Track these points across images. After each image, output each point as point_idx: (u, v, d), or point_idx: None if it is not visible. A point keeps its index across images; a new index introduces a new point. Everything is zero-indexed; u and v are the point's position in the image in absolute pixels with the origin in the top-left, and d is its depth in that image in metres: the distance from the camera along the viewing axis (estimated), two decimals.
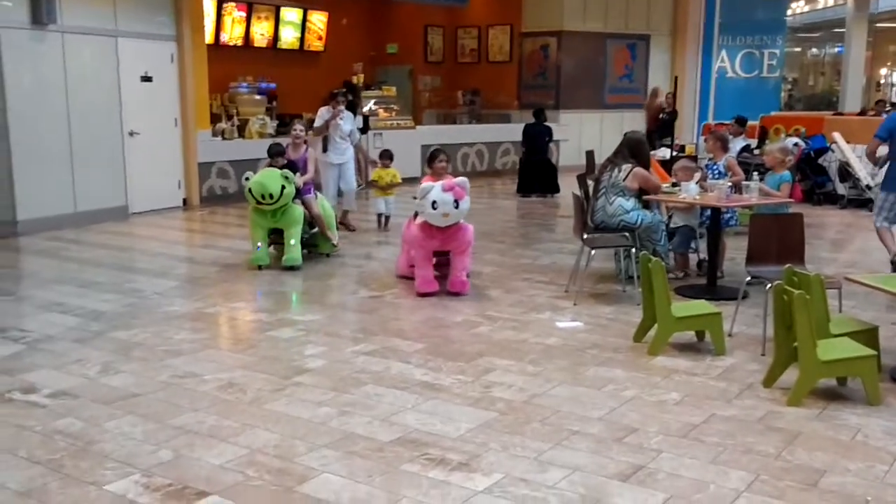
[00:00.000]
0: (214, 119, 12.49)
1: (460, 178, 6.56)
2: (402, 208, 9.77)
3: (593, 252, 7.01)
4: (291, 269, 7.56)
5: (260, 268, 7.59)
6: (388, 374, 4.88)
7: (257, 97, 13.93)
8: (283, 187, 7.37)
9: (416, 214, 6.93)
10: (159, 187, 11.24)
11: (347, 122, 9.90)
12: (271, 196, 7.34)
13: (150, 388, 4.63)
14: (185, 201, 11.64)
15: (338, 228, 8.75)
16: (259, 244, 7.65)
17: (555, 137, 14.24)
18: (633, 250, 6.75)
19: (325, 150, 9.76)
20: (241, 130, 12.57)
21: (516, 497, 3.40)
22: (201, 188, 11.76)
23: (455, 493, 3.43)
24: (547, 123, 13.58)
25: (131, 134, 10.70)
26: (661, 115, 14.33)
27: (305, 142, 8.55)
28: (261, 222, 7.61)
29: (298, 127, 8.58)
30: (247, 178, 7.55)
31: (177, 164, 11.53)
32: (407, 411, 4.31)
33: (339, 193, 10.06)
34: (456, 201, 6.40)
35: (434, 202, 6.37)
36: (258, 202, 7.40)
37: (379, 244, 9.27)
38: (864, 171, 11.22)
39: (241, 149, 12.02)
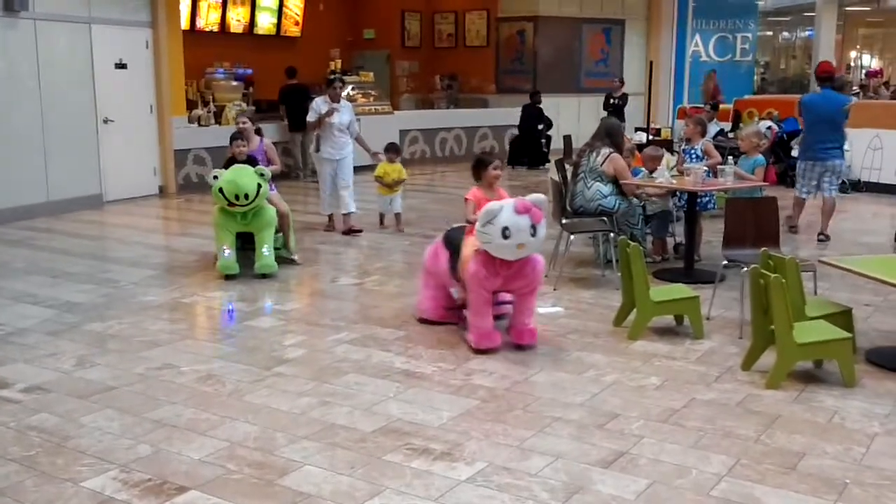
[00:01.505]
0: (190, 105, 12.35)
1: (535, 196, 4.92)
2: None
3: (572, 237, 7.02)
4: (265, 276, 6.80)
5: (228, 278, 6.76)
6: (369, 363, 4.86)
7: (234, 83, 13.79)
8: (259, 186, 6.60)
9: (448, 240, 5.45)
10: (134, 175, 11.10)
11: (346, 113, 8.71)
12: (246, 196, 6.54)
13: (127, 380, 4.57)
14: (161, 189, 11.51)
15: (328, 229, 8.55)
16: (226, 250, 6.75)
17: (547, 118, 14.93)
18: (612, 235, 6.75)
19: (317, 148, 8.72)
20: (218, 117, 12.43)
21: (500, 486, 3.40)
22: (177, 175, 11.63)
23: (438, 482, 3.42)
24: (540, 105, 14.67)
25: (105, 121, 10.54)
26: (611, 101, 14.28)
27: (258, 131, 7.81)
28: (228, 225, 6.74)
29: (241, 120, 7.76)
30: (215, 177, 6.63)
31: (152, 151, 11.39)
32: (389, 400, 4.29)
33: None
34: (533, 226, 4.78)
35: (505, 229, 4.72)
36: (230, 203, 6.57)
37: (402, 239, 8.61)
38: None
39: (218, 135, 11.83)
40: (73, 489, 3.35)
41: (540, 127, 14.63)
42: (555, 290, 6.50)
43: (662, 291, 5.56)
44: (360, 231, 8.74)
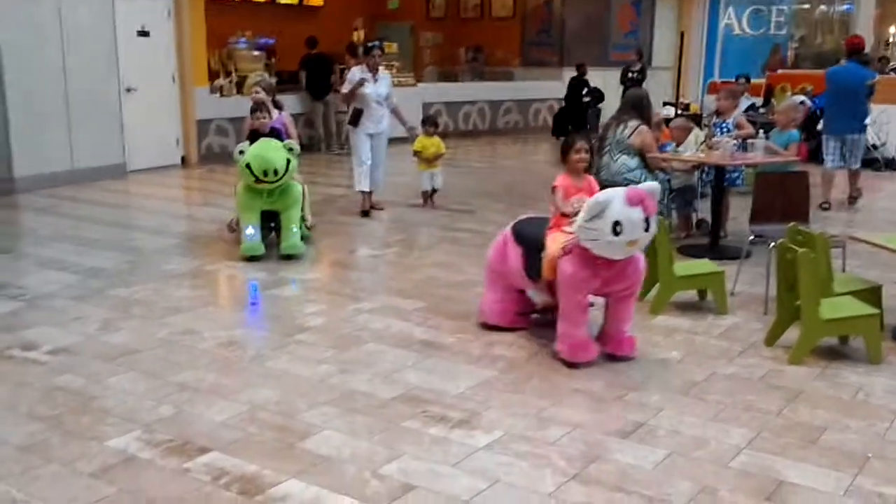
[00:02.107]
0: (212, 75, 12.35)
1: (648, 184, 4.40)
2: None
3: None
4: (291, 258, 6.42)
5: (252, 259, 6.35)
6: (389, 333, 4.87)
7: (256, 53, 13.73)
8: (288, 161, 6.23)
9: (520, 235, 4.75)
10: (157, 145, 11.15)
11: (383, 84, 8.13)
12: (276, 172, 6.15)
13: (150, 344, 4.62)
14: (183, 159, 11.56)
15: (366, 215, 8.19)
16: (250, 229, 6.36)
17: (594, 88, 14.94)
18: None
19: (355, 123, 8.07)
20: (240, 87, 12.42)
21: (517, 454, 3.40)
22: (200, 146, 11.67)
23: (456, 449, 3.43)
24: (586, 77, 14.81)
25: (128, 90, 10.58)
26: (629, 74, 13.94)
27: (277, 104, 7.33)
28: (253, 203, 6.37)
29: (254, 90, 7.26)
30: (241, 152, 6.21)
31: (175, 121, 11.41)
32: (407, 369, 4.30)
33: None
34: (647, 220, 4.10)
35: (616, 224, 4.03)
36: (258, 179, 6.19)
37: (424, 213, 8.45)
38: (869, 129, 11.12)
39: (240, 106, 11.81)
40: (98, 447, 3.40)
41: (586, 99, 14.48)
42: None
43: (687, 266, 5.52)
44: (382, 208, 8.45)
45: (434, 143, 8.69)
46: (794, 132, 7.33)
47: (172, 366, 4.31)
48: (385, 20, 17.70)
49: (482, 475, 3.22)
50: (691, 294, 5.51)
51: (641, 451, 3.44)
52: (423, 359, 4.46)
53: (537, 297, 4.77)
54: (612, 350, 4.46)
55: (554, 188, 4.61)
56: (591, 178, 4.75)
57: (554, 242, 4.42)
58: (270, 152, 6.18)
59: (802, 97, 12.08)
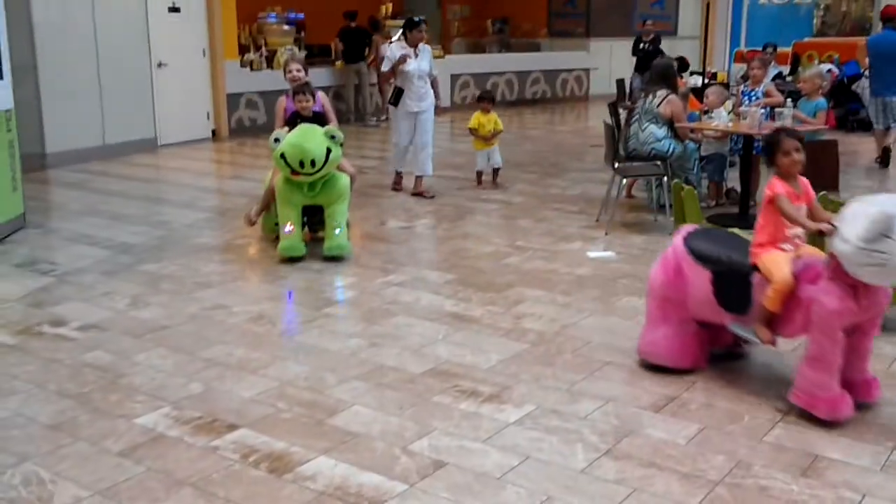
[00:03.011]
0: (242, 50, 12.36)
1: None
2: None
3: (625, 180, 6.87)
4: (335, 259, 5.69)
5: (292, 260, 5.68)
6: (419, 306, 4.84)
7: (286, 27, 13.73)
8: (329, 150, 5.46)
9: (704, 255, 3.81)
10: (188, 119, 11.18)
11: (424, 58, 7.67)
12: (313, 164, 5.39)
13: (180, 320, 4.63)
14: (213, 133, 11.59)
15: (395, 188, 7.92)
16: (289, 227, 5.62)
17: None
18: (665, 179, 6.59)
19: (396, 102, 7.69)
20: (270, 61, 12.42)
21: (548, 428, 3.37)
22: (230, 120, 11.69)
23: (486, 424, 3.40)
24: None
25: (159, 65, 10.59)
26: (640, 45, 13.29)
27: (307, 84, 6.13)
28: (293, 198, 5.61)
29: (294, 67, 6.34)
30: (276, 140, 5.47)
31: (205, 95, 11.43)
32: (437, 343, 4.28)
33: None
34: None
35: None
36: (294, 171, 5.45)
37: (481, 199, 7.66)
38: None
39: (270, 80, 11.86)
40: (126, 425, 3.41)
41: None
42: (606, 234, 6.39)
43: None
44: (432, 197, 7.74)
45: (491, 120, 8.22)
46: (822, 100, 7.19)
47: (201, 341, 4.32)
48: None
49: (513, 451, 3.19)
50: None
51: (675, 425, 3.39)
52: (452, 332, 4.43)
53: (744, 331, 3.78)
54: (862, 398, 3.55)
55: (775, 196, 3.67)
56: (806, 182, 3.85)
57: (775, 265, 3.57)
58: (308, 141, 5.41)
59: (829, 65, 11.83)
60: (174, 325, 4.55)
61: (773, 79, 10.85)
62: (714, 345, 4.04)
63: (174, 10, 10.77)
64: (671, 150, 6.75)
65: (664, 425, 3.39)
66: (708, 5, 13.59)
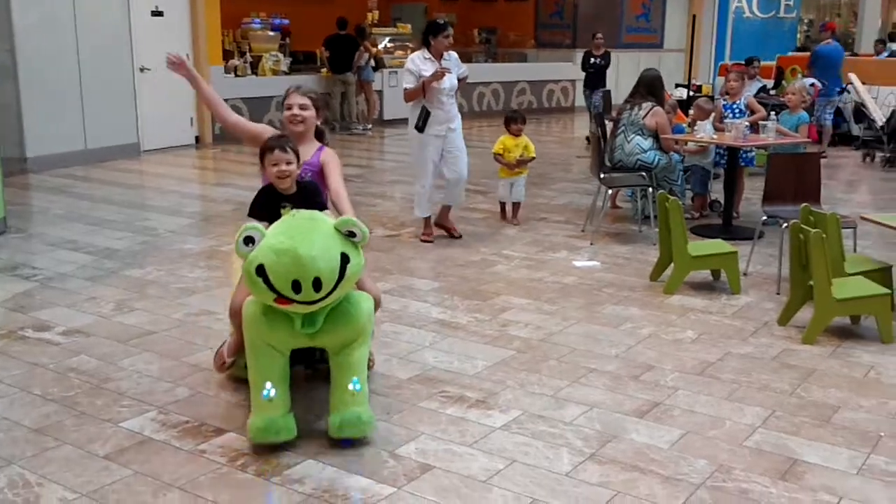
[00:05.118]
0: (227, 55, 12.35)
1: None
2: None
3: (610, 191, 6.94)
4: (351, 442, 3.31)
5: (271, 448, 3.28)
6: (406, 313, 4.87)
7: (270, 33, 13.72)
8: (346, 259, 3.12)
9: None
10: (171, 125, 11.16)
11: (454, 69, 6.31)
12: (318, 285, 3.06)
13: (165, 325, 4.63)
14: (197, 139, 11.57)
15: (426, 240, 6.35)
16: (269, 390, 3.23)
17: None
18: (650, 190, 6.66)
19: (421, 128, 6.14)
20: (254, 67, 12.42)
21: (534, 433, 3.40)
22: (214, 126, 11.66)
23: (473, 429, 3.43)
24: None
25: (142, 70, 10.57)
26: (591, 60, 12.54)
27: (320, 133, 3.98)
28: (276, 339, 3.25)
29: (297, 102, 3.88)
30: (249, 240, 3.11)
31: (189, 101, 11.39)
32: (424, 349, 4.31)
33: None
34: None
35: None
36: (281, 297, 3.10)
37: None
38: (878, 112, 11.08)
39: (255, 86, 11.89)
40: (113, 429, 3.41)
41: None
42: (592, 244, 6.45)
43: (700, 246, 5.50)
44: (458, 236, 6.57)
45: (520, 145, 7.07)
46: (804, 114, 7.32)
47: (187, 346, 4.32)
48: (399, 1, 17.62)
49: (499, 455, 3.22)
50: (705, 274, 5.50)
51: (658, 430, 3.44)
52: (440, 339, 4.46)
53: None
54: None
55: None
56: None
57: None
58: (308, 244, 3.05)
59: (812, 80, 12.00)
60: (160, 331, 4.54)
61: (757, 92, 11.01)
62: None
63: (157, 13, 10.76)
64: (656, 161, 6.83)
65: (647, 430, 3.44)
66: (693, 18, 13.73)
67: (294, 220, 3.19)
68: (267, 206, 3.54)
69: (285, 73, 12.76)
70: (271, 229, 3.18)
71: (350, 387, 3.28)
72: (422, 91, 6.08)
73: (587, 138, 12.01)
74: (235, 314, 3.50)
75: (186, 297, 5.11)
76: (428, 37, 6.25)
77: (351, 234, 3.15)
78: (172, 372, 3.99)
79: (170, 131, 11.12)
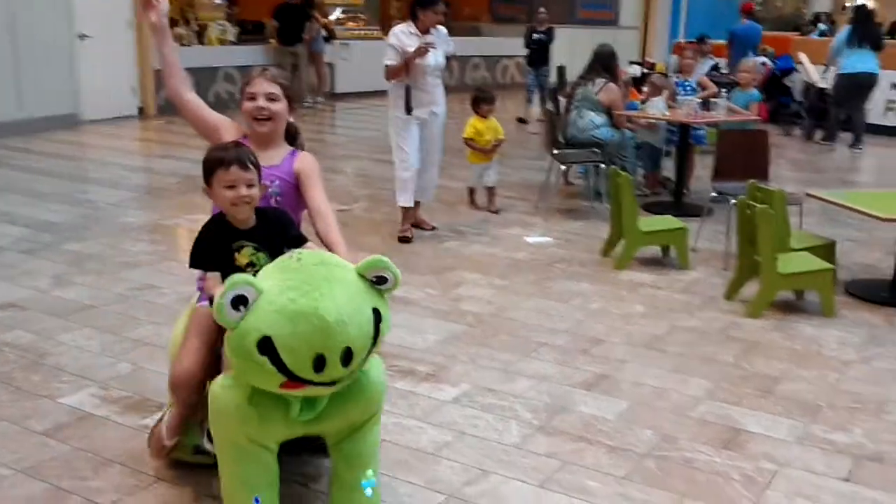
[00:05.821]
0: (171, 24, 11.92)
1: None
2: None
3: (563, 167, 6.94)
4: None
5: None
6: None
7: (217, 1, 13.38)
8: (378, 317, 2.37)
9: None
10: (112, 94, 10.83)
11: (440, 47, 5.70)
12: (348, 358, 2.22)
13: (106, 300, 4.50)
14: (140, 110, 11.26)
15: (408, 241, 5.79)
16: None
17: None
18: (602, 166, 6.68)
19: (408, 110, 5.62)
20: (200, 37, 12.12)
21: (484, 406, 3.39)
22: (158, 96, 11.36)
23: (423, 403, 3.41)
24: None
25: (81, 37, 10.21)
26: (534, 36, 12.08)
27: (292, 133, 3.11)
28: (270, 433, 2.38)
29: (263, 89, 2.86)
30: (239, 301, 2.15)
31: (131, 70, 11.09)
32: None
33: None
34: None
35: None
36: (293, 379, 2.19)
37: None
38: (822, 81, 11.22)
39: (201, 56, 11.59)
40: (51, 405, 3.30)
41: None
42: (544, 220, 6.45)
43: (650, 222, 5.53)
44: (432, 228, 6.12)
45: (491, 128, 6.65)
46: (755, 92, 7.40)
47: (130, 321, 4.20)
48: None
49: (448, 428, 3.20)
50: (654, 250, 5.53)
51: (605, 402, 3.45)
52: (391, 313, 4.39)
53: None
54: None
55: None
56: None
57: None
58: (328, 299, 2.21)
59: (764, 58, 12.15)
60: (100, 305, 4.41)
61: (710, 70, 11.10)
62: None
63: None
64: (609, 137, 6.84)
65: (595, 402, 3.45)
66: None
67: (301, 267, 2.25)
68: (218, 248, 2.52)
69: (233, 43, 12.48)
70: (267, 282, 2.20)
71: (363, 483, 2.42)
72: (405, 69, 5.52)
73: (519, 119, 11.92)
74: (180, 385, 2.59)
75: (128, 272, 4.97)
76: (416, 8, 5.64)
77: (380, 281, 2.38)
78: (113, 347, 3.88)
79: (111, 102, 10.80)
